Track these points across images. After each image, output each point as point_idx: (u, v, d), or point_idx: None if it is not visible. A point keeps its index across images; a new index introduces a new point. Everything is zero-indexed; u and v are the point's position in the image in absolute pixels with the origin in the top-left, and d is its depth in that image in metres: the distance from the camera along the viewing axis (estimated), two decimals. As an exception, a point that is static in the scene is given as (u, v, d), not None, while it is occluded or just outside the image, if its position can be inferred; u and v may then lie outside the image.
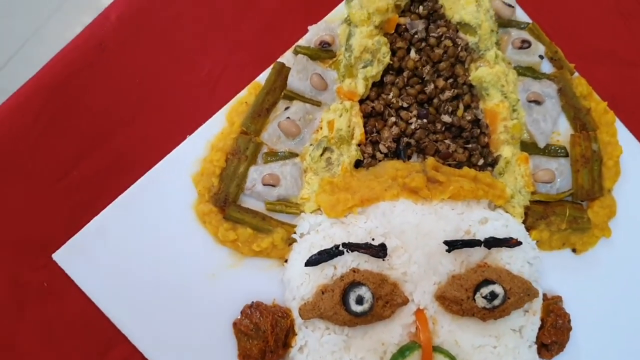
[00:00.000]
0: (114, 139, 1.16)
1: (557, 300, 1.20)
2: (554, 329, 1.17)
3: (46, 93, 1.13)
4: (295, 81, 1.18)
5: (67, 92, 1.14)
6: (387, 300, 1.08)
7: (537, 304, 1.16)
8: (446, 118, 1.19)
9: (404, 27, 1.21)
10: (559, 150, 1.23)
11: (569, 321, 1.18)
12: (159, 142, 1.16)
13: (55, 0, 2.33)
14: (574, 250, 1.23)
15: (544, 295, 1.19)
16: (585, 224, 1.21)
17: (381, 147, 1.18)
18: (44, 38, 2.31)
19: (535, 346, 1.16)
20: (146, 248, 1.14)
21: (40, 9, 2.33)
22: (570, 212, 1.20)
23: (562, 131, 1.24)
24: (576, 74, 1.25)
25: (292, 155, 1.18)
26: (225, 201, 1.15)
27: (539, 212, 1.20)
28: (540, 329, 1.16)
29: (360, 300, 1.06)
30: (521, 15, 1.25)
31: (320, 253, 1.09)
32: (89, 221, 1.13)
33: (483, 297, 1.08)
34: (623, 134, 1.24)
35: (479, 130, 1.20)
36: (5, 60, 2.30)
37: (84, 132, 1.15)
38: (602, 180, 1.22)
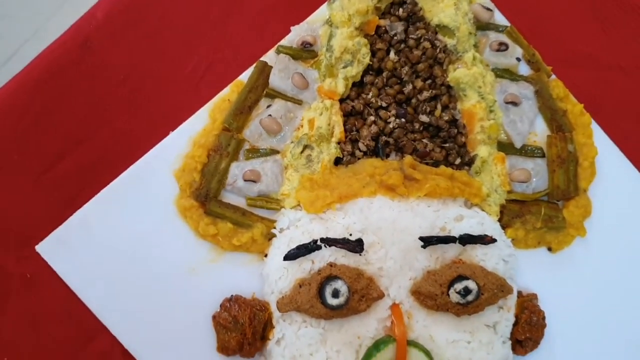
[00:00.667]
0: (98, 135, 1.18)
1: (532, 297, 1.22)
2: (529, 325, 1.18)
3: (32, 89, 1.16)
4: (277, 80, 1.20)
5: (53, 89, 1.17)
6: (363, 294, 1.10)
7: (512, 301, 1.17)
8: (424, 118, 1.21)
9: (383, 28, 1.23)
10: (536, 151, 1.25)
11: (544, 318, 1.20)
12: (142, 138, 1.18)
13: (55, 2, 2.36)
14: (549, 249, 1.25)
15: (519, 292, 1.21)
16: (561, 223, 1.23)
17: (360, 145, 1.20)
18: (43, 39, 2.33)
19: (510, 342, 1.18)
20: (128, 241, 1.16)
21: (39, 10, 2.35)
22: (545, 212, 1.22)
23: (539, 132, 1.26)
24: (553, 76, 1.27)
25: (273, 152, 1.20)
26: (206, 196, 1.17)
27: (515, 211, 1.22)
28: (514, 325, 1.18)
29: (336, 294, 1.08)
30: (499, 18, 1.28)
31: (298, 247, 1.11)
32: (72, 214, 1.15)
33: (457, 293, 1.10)
34: (599, 135, 1.26)
35: (456, 130, 1.23)
36: (4, 60, 2.32)
37: (68, 127, 1.17)
38: (578, 180, 1.24)
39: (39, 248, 1.15)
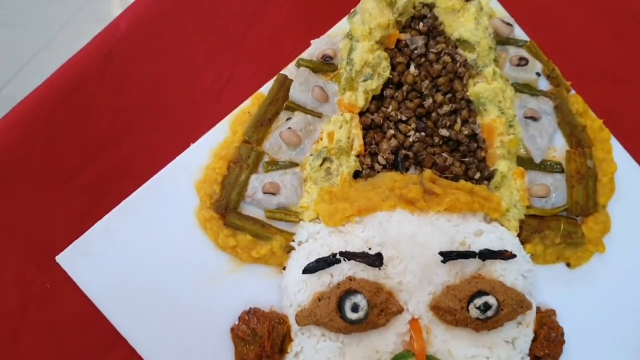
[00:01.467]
0: (120, 145, 1.19)
1: (551, 313, 1.21)
2: (547, 341, 1.18)
3: (55, 99, 1.17)
4: (297, 93, 1.21)
5: (76, 99, 1.17)
6: (382, 308, 1.10)
7: (531, 316, 1.17)
8: (444, 132, 1.21)
9: (404, 42, 1.24)
10: (555, 166, 1.25)
11: (562, 334, 1.19)
12: (163, 149, 1.19)
13: (67, 12, 2.37)
14: (568, 265, 1.24)
15: (538, 308, 1.20)
16: (580, 239, 1.23)
17: (380, 158, 1.20)
18: (54, 49, 2.34)
19: (528, 358, 1.17)
20: (148, 252, 1.16)
21: (51, 20, 2.37)
22: (564, 227, 1.22)
23: (558, 147, 1.26)
24: (572, 91, 1.27)
25: (293, 164, 1.21)
26: (226, 208, 1.17)
27: (534, 226, 1.22)
28: (533, 341, 1.17)
29: (355, 308, 1.08)
30: (519, 33, 1.28)
31: (317, 261, 1.11)
32: (93, 225, 1.16)
33: (477, 308, 1.09)
34: (618, 151, 1.26)
35: (475, 145, 1.23)
36: (16, 70, 2.34)
37: (90, 138, 1.18)
38: (597, 196, 1.24)
39: (59, 259, 1.15)
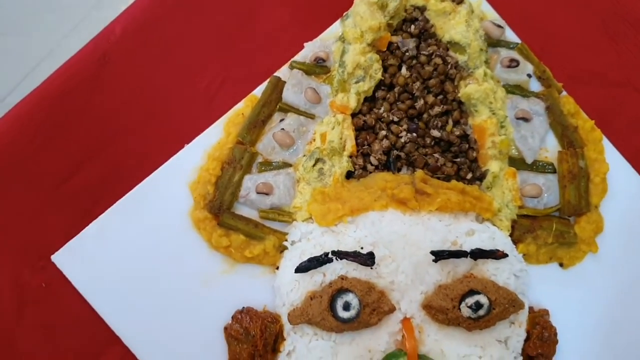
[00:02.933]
0: (115, 147, 1.20)
1: (544, 313, 1.21)
2: (540, 341, 1.18)
3: (50, 102, 1.19)
4: (290, 94, 1.22)
5: (70, 102, 1.19)
6: (374, 307, 1.10)
7: (523, 316, 1.17)
8: (435, 133, 1.22)
9: (395, 45, 1.25)
10: (547, 167, 1.25)
11: (555, 334, 1.19)
12: (157, 151, 1.20)
13: (71, 20, 2.39)
14: (561, 265, 1.24)
15: (531, 308, 1.20)
16: (572, 238, 1.23)
17: (372, 159, 1.21)
18: (58, 57, 2.36)
19: (521, 358, 1.17)
20: (142, 252, 1.18)
21: (55, 28, 2.39)
22: (557, 227, 1.22)
23: (550, 148, 1.26)
24: (564, 92, 1.28)
25: (286, 165, 1.22)
26: (219, 208, 1.18)
27: (526, 226, 1.22)
28: (526, 341, 1.17)
29: (347, 307, 1.08)
30: (511, 35, 1.29)
31: (310, 260, 1.12)
32: (88, 225, 1.17)
33: (468, 307, 1.09)
34: (610, 151, 1.26)
35: (467, 145, 1.23)
36: (21, 78, 2.36)
37: (85, 140, 1.20)
38: (589, 196, 1.24)
39: (55, 258, 1.17)
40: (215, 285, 1.18)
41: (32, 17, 2.43)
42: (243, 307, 1.17)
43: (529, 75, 1.27)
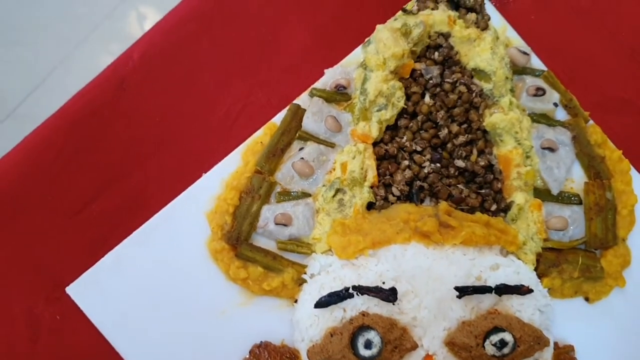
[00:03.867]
0: (132, 176, 1.18)
1: (569, 349, 1.19)
2: (566, 379, 1.15)
3: (68, 129, 1.16)
4: (310, 122, 1.20)
5: (88, 129, 1.17)
6: (396, 345, 1.07)
7: (548, 353, 1.14)
8: (460, 163, 1.19)
9: (419, 72, 1.22)
10: (573, 198, 1.22)
11: (581, 372, 1.16)
12: (175, 180, 1.18)
13: (83, 30, 2.39)
14: (586, 299, 1.21)
15: (556, 344, 1.17)
16: (598, 272, 1.20)
17: (394, 189, 1.18)
18: (70, 67, 2.35)
19: (546, 396, 1.14)
20: (158, 284, 1.15)
21: (67, 38, 2.38)
22: (582, 261, 1.19)
23: (576, 179, 1.23)
24: (591, 121, 1.25)
25: (305, 195, 1.19)
26: (237, 239, 1.16)
27: (551, 260, 1.19)
28: (551, 378, 1.14)
29: (368, 345, 1.06)
30: (536, 62, 1.25)
31: (330, 295, 1.09)
32: (104, 255, 1.15)
33: (492, 345, 1.07)
34: (638, 182, 1.23)
35: (492, 176, 1.20)
36: (33, 88, 2.35)
37: (102, 168, 1.17)
38: (616, 229, 1.21)
39: (69, 290, 1.14)
40: (232, 318, 1.16)
41: (43, 26, 2.44)
42: (261, 342, 1.15)
43: (556, 104, 1.24)
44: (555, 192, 1.21)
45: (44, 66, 2.36)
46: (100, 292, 1.14)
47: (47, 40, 2.43)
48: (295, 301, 1.17)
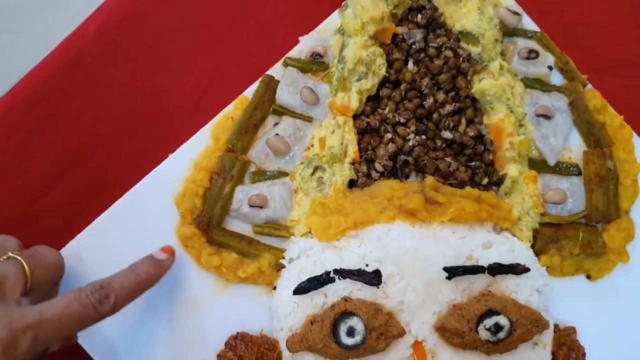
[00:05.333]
0: (92, 158, 1.12)
1: (571, 331, 1.12)
2: (567, 363, 1.09)
3: (20, 111, 1.10)
4: (284, 95, 1.12)
5: (43, 110, 1.11)
6: (382, 331, 1.01)
7: (548, 336, 1.08)
8: (447, 134, 1.12)
9: (401, 37, 1.15)
10: (571, 169, 1.15)
11: (584, 355, 1.11)
12: (139, 161, 1.11)
13: (69, 15, 2.33)
14: (588, 277, 1.15)
15: (556, 326, 1.11)
16: (600, 248, 1.13)
17: (377, 165, 1.11)
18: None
19: (546, 382, 1.08)
20: (124, 273, 1.08)
21: (54, 24, 2.32)
22: (583, 236, 1.13)
23: (574, 148, 1.17)
24: (589, 85, 1.18)
25: (282, 174, 1.12)
26: (208, 224, 1.09)
27: (549, 236, 1.12)
28: (551, 363, 1.09)
29: (351, 332, 1.00)
30: (528, 23, 1.19)
31: (309, 280, 1.03)
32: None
33: (487, 330, 1.01)
34: (641, 150, 1.16)
35: (482, 147, 1.14)
36: (18, 77, 2.29)
37: (60, 151, 1.11)
38: (619, 200, 1.15)
39: (29, 283, 1.07)
40: (206, 308, 1.09)
41: (30, 13, 2.38)
42: (237, 333, 1.08)
43: (550, 68, 1.17)
44: (552, 162, 1.15)
45: (30, 54, 2.30)
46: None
47: (33, 28, 2.37)
48: (274, 288, 1.10)
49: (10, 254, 0.90)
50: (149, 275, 0.98)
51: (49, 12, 2.36)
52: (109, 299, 0.90)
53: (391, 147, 1.11)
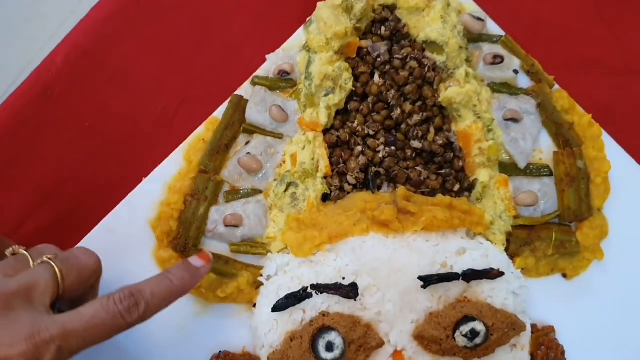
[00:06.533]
0: (66, 189, 1.10)
1: (549, 331, 1.12)
2: (546, 363, 1.09)
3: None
4: (253, 114, 1.12)
5: (14, 143, 1.09)
6: (361, 343, 1.01)
7: (526, 338, 1.08)
8: (416, 143, 1.12)
9: (365, 50, 1.14)
10: (542, 170, 1.15)
11: (563, 353, 1.10)
12: (113, 188, 1.10)
13: (49, 29, 2.32)
14: (564, 276, 1.15)
15: (534, 326, 1.11)
16: (574, 247, 1.13)
17: (349, 178, 1.11)
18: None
19: (526, 384, 1.08)
20: (105, 300, 1.08)
21: (34, 38, 2.32)
22: (557, 236, 1.12)
23: (545, 149, 1.16)
24: (556, 86, 1.17)
25: (255, 192, 1.12)
26: (185, 246, 1.09)
27: (523, 238, 1.12)
28: (530, 364, 1.08)
29: (330, 347, 1.00)
30: (493, 28, 1.17)
31: (287, 297, 1.03)
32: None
33: (463, 336, 1.01)
34: (611, 147, 1.15)
35: (452, 154, 1.13)
36: (1, 93, 2.29)
37: (33, 184, 1.09)
38: (591, 199, 1.14)
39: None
40: (188, 329, 1.09)
41: (9, 28, 2.36)
42: (220, 352, 1.08)
43: (516, 72, 1.16)
44: (522, 165, 1.14)
45: (12, 69, 2.30)
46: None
47: (15, 42, 2.37)
48: (254, 305, 1.10)
49: (45, 258, 0.85)
50: (183, 282, 0.92)
51: (28, 26, 2.36)
52: (139, 307, 0.85)
53: (362, 159, 1.11)
